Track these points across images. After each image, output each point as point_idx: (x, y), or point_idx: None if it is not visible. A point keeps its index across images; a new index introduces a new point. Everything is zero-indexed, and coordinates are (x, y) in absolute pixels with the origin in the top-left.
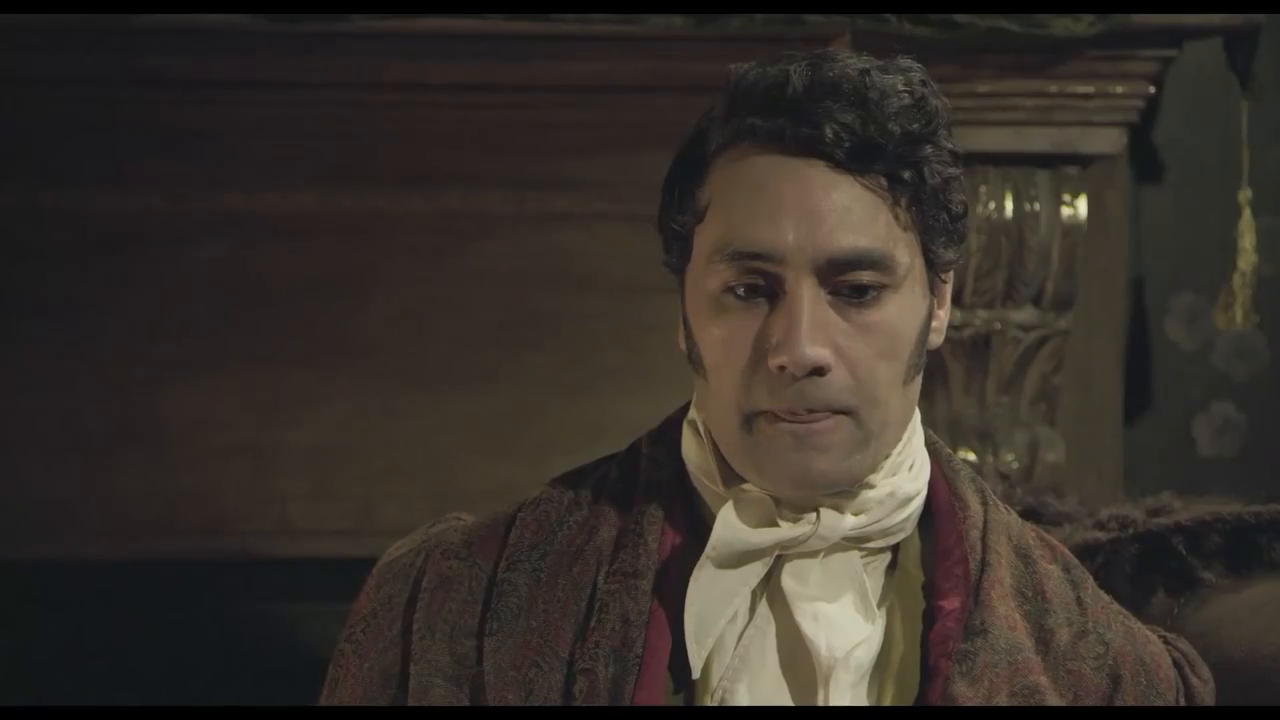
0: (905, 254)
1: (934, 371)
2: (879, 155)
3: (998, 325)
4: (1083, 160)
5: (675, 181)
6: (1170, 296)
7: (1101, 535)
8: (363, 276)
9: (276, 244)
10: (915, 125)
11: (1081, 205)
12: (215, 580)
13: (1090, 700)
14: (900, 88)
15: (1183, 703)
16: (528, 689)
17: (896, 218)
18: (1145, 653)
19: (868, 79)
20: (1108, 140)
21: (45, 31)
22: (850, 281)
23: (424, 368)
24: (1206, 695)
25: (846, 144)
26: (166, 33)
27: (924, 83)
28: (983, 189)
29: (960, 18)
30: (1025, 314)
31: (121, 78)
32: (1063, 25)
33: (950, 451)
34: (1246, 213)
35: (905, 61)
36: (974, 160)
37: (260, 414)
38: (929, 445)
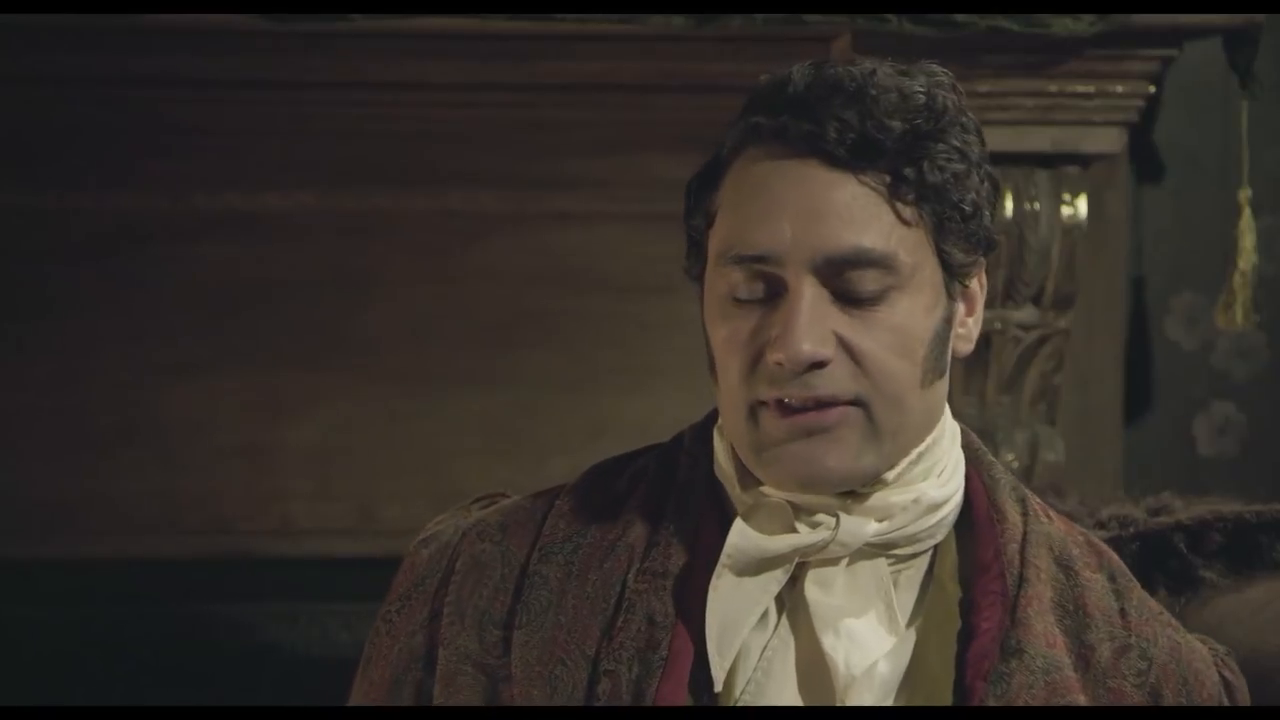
0: (910, 254)
1: None
2: (880, 152)
3: (998, 325)
4: (1083, 160)
5: (693, 187)
6: (1170, 296)
7: (1102, 534)
8: (363, 276)
9: (277, 244)
10: (919, 120)
11: (1081, 205)
12: (216, 580)
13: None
14: (915, 88)
15: None
16: (553, 686)
17: (900, 216)
18: (1189, 671)
19: (872, 78)
20: (1108, 140)
21: (46, 31)
22: (852, 283)
23: (424, 367)
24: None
25: (846, 141)
26: (167, 32)
27: (949, 86)
28: None
29: (960, 17)
30: (1025, 313)
31: (121, 77)
32: (1063, 25)
33: (992, 459)
34: (1247, 212)
35: (931, 66)
36: None
37: (261, 414)
38: (971, 452)
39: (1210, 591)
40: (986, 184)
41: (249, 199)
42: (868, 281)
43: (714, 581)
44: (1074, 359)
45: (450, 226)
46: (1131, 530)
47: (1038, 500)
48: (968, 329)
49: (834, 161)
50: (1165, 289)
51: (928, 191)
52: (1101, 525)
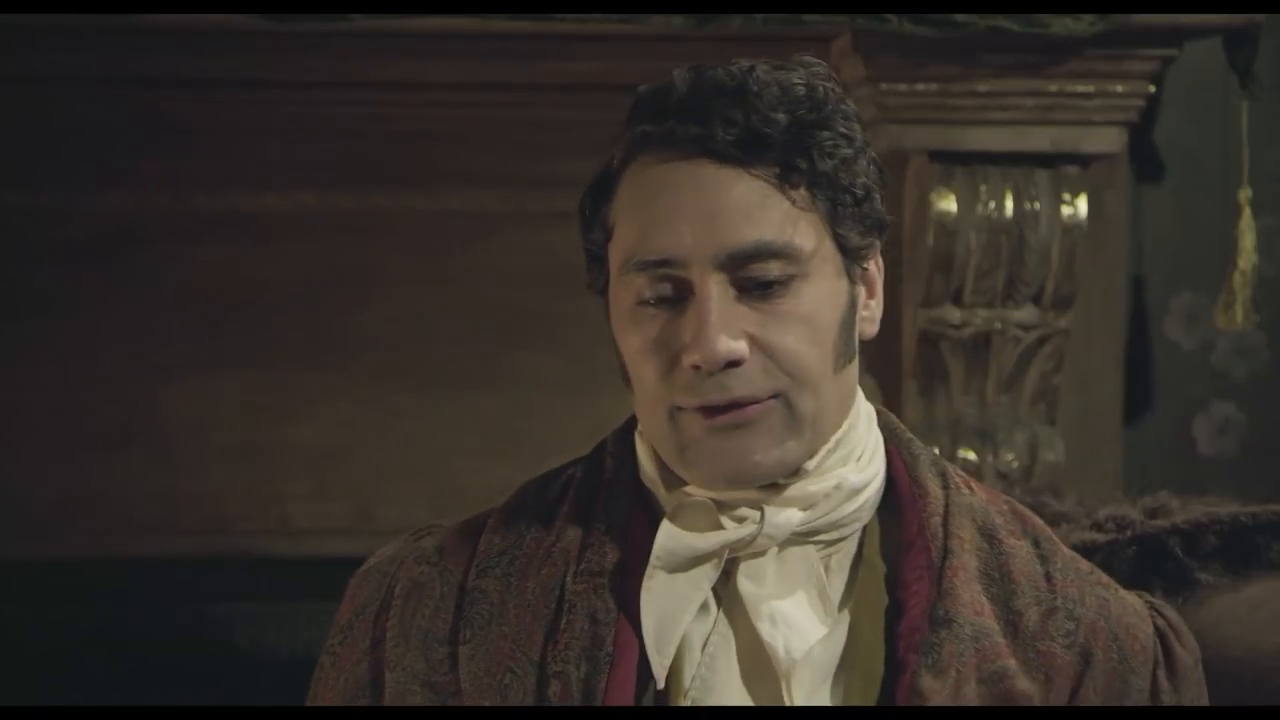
0: (808, 241)
1: (934, 371)
2: (767, 145)
3: (998, 324)
4: (1083, 159)
5: (587, 202)
6: (1170, 296)
7: (1099, 537)
8: (363, 276)
9: (277, 244)
10: (802, 111)
11: (1081, 204)
12: (215, 580)
13: (1061, 679)
14: (794, 81)
15: (1162, 673)
16: (503, 694)
17: (794, 204)
18: (1119, 625)
19: (750, 75)
20: (1108, 139)
21: (46, 31)
22: (756, 276)
23: (424, 367)
24: (1190, 665)
25: (733, 137)
26: (167, 32)
27: (826, 76)
28: (983, 188)
29: (960, 17)
30: (1025, 313)
31: (121, 77)
32: (1063, 24)
33: (910, 436)
34: (1246, 212)
35: (808, 59)
36: (974, 159)
37: (260, 414)
38: (889, 430)
39: (1208, 592)
40: (873, 167)
41: (249, 199)
42: (771, 273)
43: (646, 582)
44: (1074, 359)
45: (450, 226)
46: (1128, 534)
47: (959, 473)
48: (871, 311)
49: (724, 159)
50: (1165, 289)
51: (819, 179)
52: (1098, 526)
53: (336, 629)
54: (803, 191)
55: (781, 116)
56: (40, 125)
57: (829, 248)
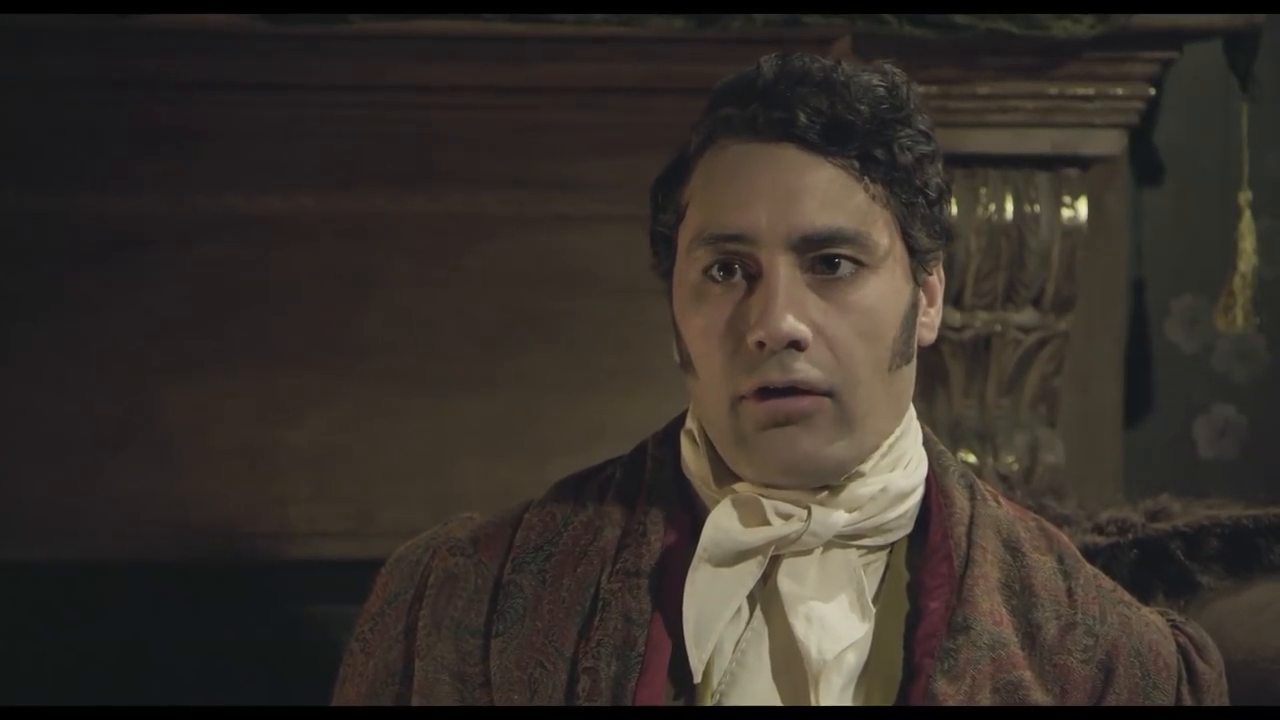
0: (882, 235)
1: (934, 373)
2: (850, 135)
3: (998, 327)
4: (1083, 162)
5: (660, 185)
6: (1170, 298)
7: (1100, 539)
8: (363, 278)
9: (277, 245)
10: (885, 106)
11: (1082, 207)
12: (215, 582)
13: (1078, 694)
14: (876, 81)
15: (1185, 689)
16: (533, 689)
17: (872, 197)
18: (1142, 643)
19: (837, 68)
20: (1108, 142)
21: (45, 31)
22: (827, 262)
23: (424, 369)
24: (1213, 679)
25: (818, 125)
26: (167, 33)
27: (905, 81)
28: (983, 191)
29: (960, 19)
30: (1025, 316)
31: (122, 78)
32: (1063, 27)
33: (942, 448)
34: (1247, 215)
35: (887, 65)
36: (974, 162)
37: (260, 415)
38: (925, 442)
39: (1209, 595)
40: (945, 174)
41: (249, 201)
42: (842, 261)
43: (690, 575)
44: (1074, 361)
45: (451, 228)
46: (1130, 537)
47: (988, 486)
48: (930, 318)
49: (806, 146)
50: (1165, 291)
51: (897, 173)
52: (1100, 529)
53: (367, 616)
54: (880, 188)
55: (865, 108)
56: (40, 126)
57: (900, 249)
